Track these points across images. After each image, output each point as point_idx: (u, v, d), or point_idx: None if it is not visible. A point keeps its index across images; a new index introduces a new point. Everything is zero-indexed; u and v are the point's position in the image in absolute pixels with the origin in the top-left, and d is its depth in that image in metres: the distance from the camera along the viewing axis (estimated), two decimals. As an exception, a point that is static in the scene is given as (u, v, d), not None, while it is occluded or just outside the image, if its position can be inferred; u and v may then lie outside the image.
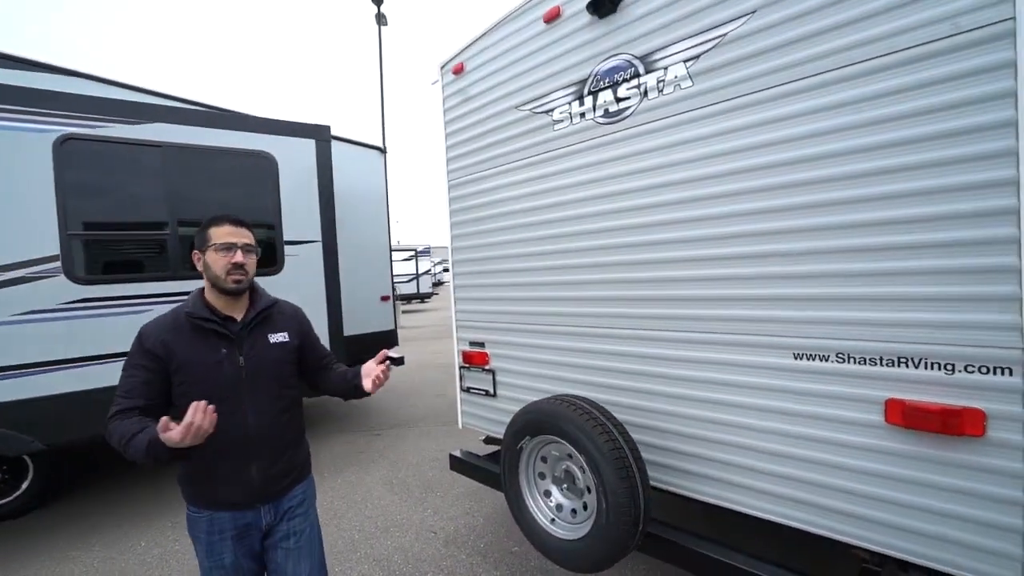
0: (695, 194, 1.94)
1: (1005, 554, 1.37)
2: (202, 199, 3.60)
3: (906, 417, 1.49)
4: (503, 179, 2.75)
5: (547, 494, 2.18)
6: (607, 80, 2.22)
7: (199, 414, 1.22)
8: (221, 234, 1.51)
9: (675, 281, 2.01)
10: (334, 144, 4.28)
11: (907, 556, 1.54)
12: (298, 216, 3.89)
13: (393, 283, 5.79)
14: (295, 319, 1.71)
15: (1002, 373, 1.36)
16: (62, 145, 3.12)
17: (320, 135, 3.99)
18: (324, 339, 3.68)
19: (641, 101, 2.10)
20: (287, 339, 1.63)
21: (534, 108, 2.56)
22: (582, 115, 2.33)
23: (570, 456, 2.05)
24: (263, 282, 3.83)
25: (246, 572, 1.54)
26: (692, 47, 1.93)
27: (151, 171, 3.39)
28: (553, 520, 2.10)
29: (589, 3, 2.20)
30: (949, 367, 1.44)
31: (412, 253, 22.14)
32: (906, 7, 1.47)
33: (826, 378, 1.66)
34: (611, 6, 2.16)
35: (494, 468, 2.68)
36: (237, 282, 1.50)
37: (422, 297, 23.15)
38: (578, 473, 2.05)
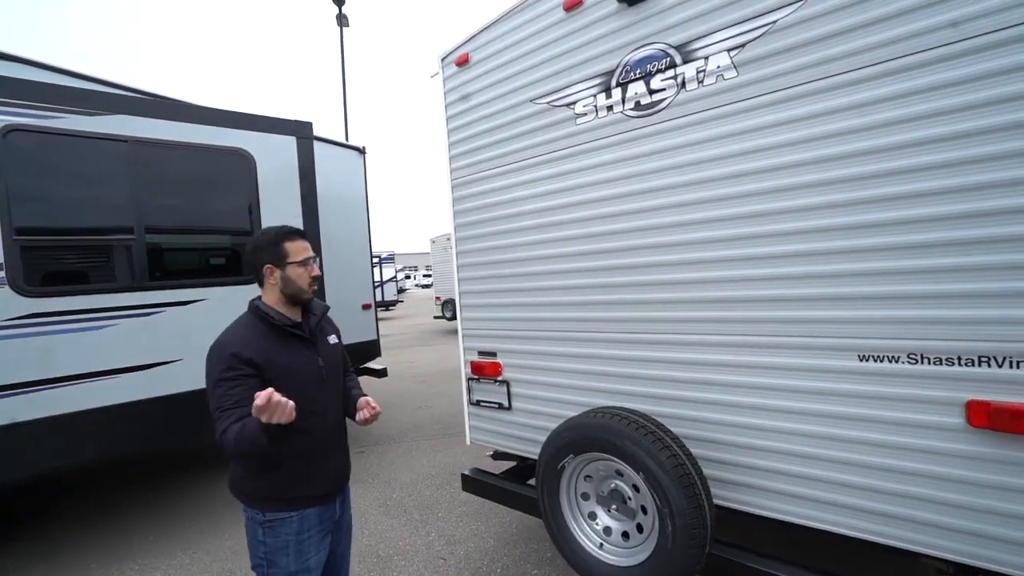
0: (743, 190, 1.84)
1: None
2: (172, 200, 3.23)
3: (992, 419, 1.42)
4: (518, 177, 2.59)
5: (592, 516, 2.01)
6: (638, 71, 2.09)
7: (281, 404, 1.28)
8: (298, 250, 1.61)
9: (725, 282, 1.89)
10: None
11: (991, 565, 1.47)
12: (279, 219, 3.55)
13: (375, 290, 5.49)
14: (333, 322, 1.86)
15: (1096, 370, 1.31)
16: (5, 138, 2.71)
17: (301, 132, 3.68)
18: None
19: (678, 93, 1.99)
20: (337, 340, 1.79)
21: (553, 101, 2.41)
22: (610, 108, 2.20)
23: (620, 474, 1.90)
24: (240, 292, 3.52)
25: (321, 568, 1.63)
26: (737, 35, 1.83)
27: (113, 169, 3.00)
28: (602, 545, 1.93)
29: (619, -10, 2.08)
30: (1036, 365, 1.38)
31: (377, 260, 21.56)
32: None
33: (897, 380, 1.58)
34: (642, -7, 2.04)
35: (517, 488, 2.49)
36: (315, 292, 1.66)
37: (387, 305, 22.55)
38: (629, 492, 1.89)
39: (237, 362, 1.44)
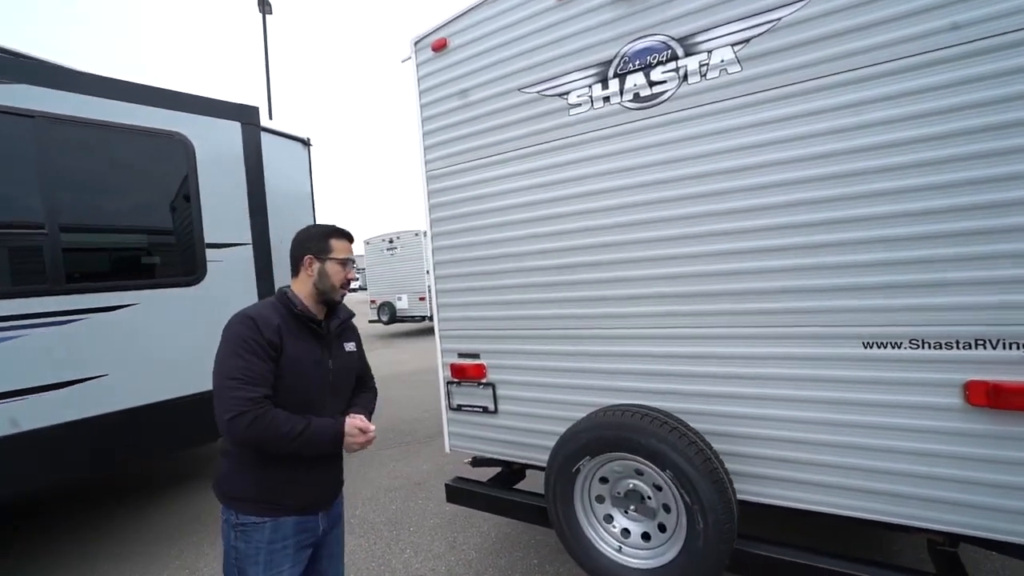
0: (749, 183, 1.86)
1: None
2: (92, 190, 2.75)
3: (991, 397, 1.52)
4: (504, 169, 2.47)
5: (608, 519, 1.94)
6: (638, 62, 2.06)
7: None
8: (343, 248, 1.60)
9: (733, 275, 1.90)
10: (252, 132, 3.58)
11: (987, 534, 1.57)
12: (222, 213, 3.17)
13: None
14: (357, 331, 1.79)
15: (1080, 348, 1.44)
16: None
17: (247, 117, 3.29)
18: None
19: (680, 85, 1.98)
20: (355, 349, 1.73)
21: (543, 91, 2.32)
22: (606, 99, 2.15)
23: (639, 473, 1.84)
24: (178, 295, 3.10)
25: None
26: (742, 30, 1.85)
27: (13, 150, 2.49)
28: (620, 548, 1.87)
29: (618, -21, 2.04)
30: (1027, 346, 1.50)
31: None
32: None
33: (899, 365, 1.66)
34: (643, -17, 2.01)
35: (512, 496, 2.37)
36: (344, 295, 1.62)
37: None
38: (648, 491, 1.84)
39: (258, 336, 1.38)
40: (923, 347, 1.63)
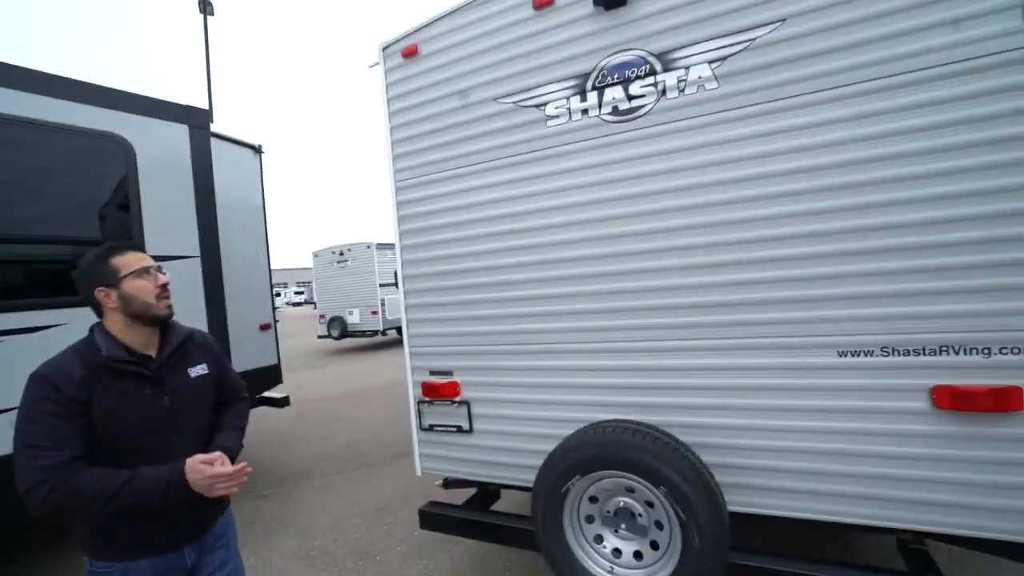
0: (728, 196, 1.90)
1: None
2: (12, 196, 2.42)
3: (956, 400, 1.61)
4: (478, 180, 2.41)
5: (598, 539, 1.89)
6: (616, 76, 2.08)
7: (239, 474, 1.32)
8: (131, 261, 1.36)
9: (714, 287, 1.93)
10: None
11: (955, 530, 1.66)
12: (166, 224, 2.88)
13: (275, 308, 4.79)
14: (209, 346, 1.58)
15: (1032, 353, 1.55)
16: None
17: (196, 120, 3.04)
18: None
19: (658, 100, 2.01)
20: (207, 370, 1.51)
21: (520, 101, 2.29)
22: (584, 111, 2.15)
23: (630, 491, 1.80)
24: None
25: None
26: (718, 48, 1.90)
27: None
28: (612, 570, 1.82)
29: (596, -6, 2.06)
30: (987, 351, 1.60)
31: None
32: (925, 31, 1.62)
33: (873, 372, 1.73)
34: (620, 0, 2.04)
35: (494, 519, 2.28)
36: (169, 306, 1.41)
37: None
38: (640, 509, 1.80)
39: (58, 396, 1.21)
40: (892, 354, 1.71)
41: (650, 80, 2.02)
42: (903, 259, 1.68)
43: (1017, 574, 1.92)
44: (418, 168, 2.57)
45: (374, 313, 12.96)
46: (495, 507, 2.72)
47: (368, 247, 13.02)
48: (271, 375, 4.69)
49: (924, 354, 1.67)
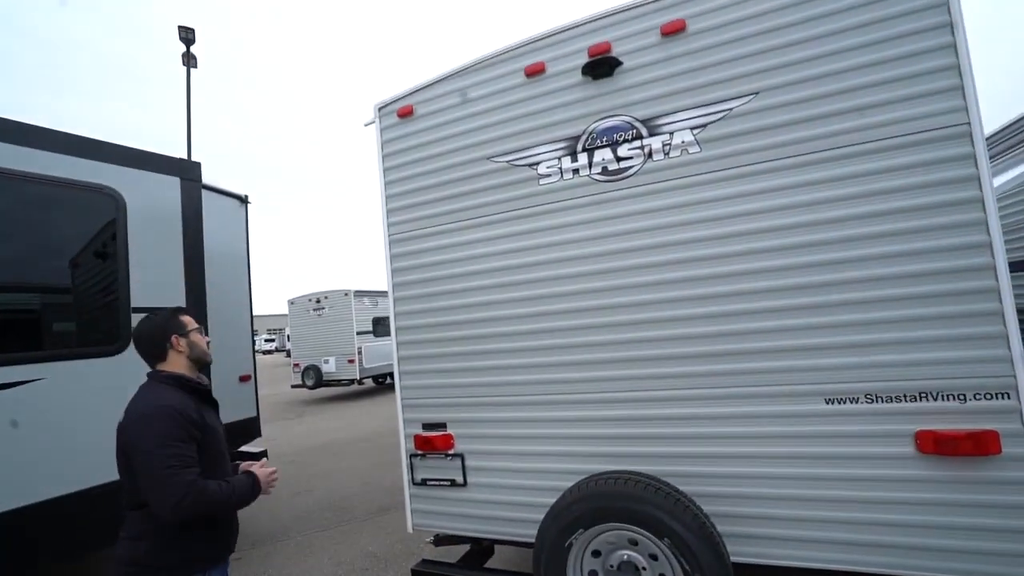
0: (714, 252, 2.01)
1: (1031, 555, 1.60)
2: (3, 250, 2.36)
3: (939, 445, 1.69)
4: (472, 234, 2.49)
5: (603, 595, 1.85)
6: (605, 139, 2.22)
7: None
8: (191, 320, 1.82)
9: (702, 338, 2.00)
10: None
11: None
12: (153, 276, 2.83)
13: (255, 360, 4.66)
14: None
15: (1003, 397, 1.65)
16: None
17: (188, 173, 3.07)
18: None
19: (645, 162, 2.15)
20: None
21: (513, 160, 2.41)
22: (575, 171, 2.28)
23: (633, 543, 1.79)
24: (96, 364, 2.69)
25: None
26: (699, 116, 2.06)
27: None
28: (618, 626, 1.78)
29: (585, 65, 2.23)
30: (962, 397, 1.70)
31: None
32: (877, 108, 1.81)
33: (859, 419, 1.81)
34: (607, 70, 2.21)
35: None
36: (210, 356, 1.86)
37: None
38: (643, 562, 1.79)
39: (184, 422, 1.54)
40: (876, 401, 1.79)
41: (637, 144, 2.16)
42: (877, 311, 1.79)
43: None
44: (413, 222, 2.64)
45: (351, 361, 12.67)
46: (489, 564, 2.63)
47: (346, 294, 12.90)
48: (250, 428, 4.51)
49: (906, 400, 1.76)
